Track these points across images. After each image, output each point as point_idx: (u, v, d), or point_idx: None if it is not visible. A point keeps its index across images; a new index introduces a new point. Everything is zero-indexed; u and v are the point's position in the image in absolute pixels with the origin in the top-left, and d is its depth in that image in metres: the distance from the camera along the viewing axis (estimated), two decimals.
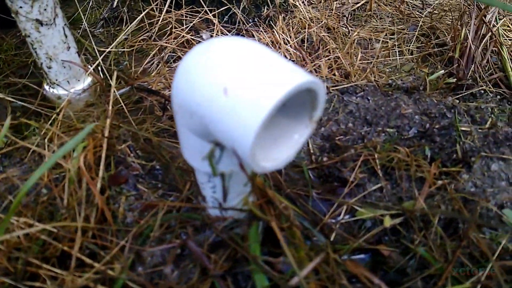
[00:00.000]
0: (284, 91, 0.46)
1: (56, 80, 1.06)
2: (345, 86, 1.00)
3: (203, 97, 0.51)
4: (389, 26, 1.30)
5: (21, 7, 0.92)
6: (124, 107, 1.00)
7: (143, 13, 1.13)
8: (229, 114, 0.48)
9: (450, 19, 1.26)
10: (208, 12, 1.16)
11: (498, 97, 1.03)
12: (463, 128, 0.87)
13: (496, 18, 1.15)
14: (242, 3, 1.23)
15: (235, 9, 1.22)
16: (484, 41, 1.10)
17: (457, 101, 0.98)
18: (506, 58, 1.09)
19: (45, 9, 0.94)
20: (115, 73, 0.98)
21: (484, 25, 1.12)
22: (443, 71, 1.06)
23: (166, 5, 1.19)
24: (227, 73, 0.49)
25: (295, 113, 0.57)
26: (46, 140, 0.83)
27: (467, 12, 1.15)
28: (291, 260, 0.56)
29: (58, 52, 1.01)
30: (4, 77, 1.19)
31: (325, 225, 0.79)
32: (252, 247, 0.69)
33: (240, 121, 0.47)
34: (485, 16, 1.13)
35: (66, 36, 1.01)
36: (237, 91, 0.48)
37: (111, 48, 1.12)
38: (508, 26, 1.26)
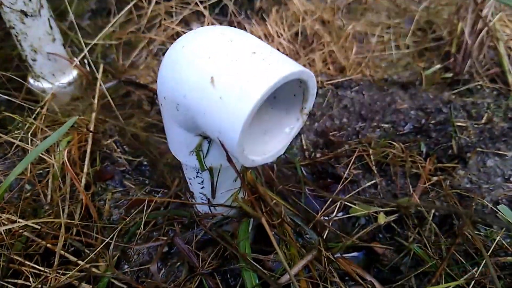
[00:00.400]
0: (273, 80, 0.43)
1: (41, 73, 1.02)
2: (340, 80, 0.98)
3: (189, 87, 0.48)
4: (385, 20, 1.28)
5: None
6: (111, 101, 0.97)
7: (131, 4, 1.10)
8: (216, 104, 0.45)
9: (446, 13, 1.24)
10: (199, 4, 1.13)
11: (495, 92, 1.01)
12: (459, 124, 0.85)
13: (492, 13, 1.13)
14: None
15: (226, 0, 1.19)
16: (480, 36, 1.08)
17: (453, 96, 0.96)
18: (503, 54, 1.07)
19: (30, 0, 0.91)
20: (102, 66, 0.95)
21: (480, 20, 1.10)
22: (439, 65, 1.04)
23: None
24: (214, 62, 0.47)
25: (285, 105, 0.55)
26: (29, 134, 0.80)
27: (464, 7, 1.13)
28: (281, 258, 0.54)
29: (43, 44, 0.98)
30: None
31: (318, 223, 0.76)
32: (242, 244, 0.67)
33: (228, 111, 0.45)
34: (481, 11, 1.11)
35: (51, 28, 0.98)
36: (225, 81, 0.45)
37: (98, 41, 1.08)
38: (504, 22, 1.25)
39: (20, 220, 0.69)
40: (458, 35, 1.10)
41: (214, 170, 0.62)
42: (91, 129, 0.83)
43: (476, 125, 0.84)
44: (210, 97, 0.46)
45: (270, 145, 0.53)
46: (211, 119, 0.47)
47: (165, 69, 0.52)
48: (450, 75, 1.02)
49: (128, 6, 1.09)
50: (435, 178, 0.78)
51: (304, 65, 1.09)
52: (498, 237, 0.71)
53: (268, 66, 0.45)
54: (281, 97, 0.54)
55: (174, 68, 0.50)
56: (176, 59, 0.51)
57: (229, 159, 0.51)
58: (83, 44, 1.00)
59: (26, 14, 0.93)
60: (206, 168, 0.61)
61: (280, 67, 0.45)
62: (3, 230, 0.63)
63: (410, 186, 0.78)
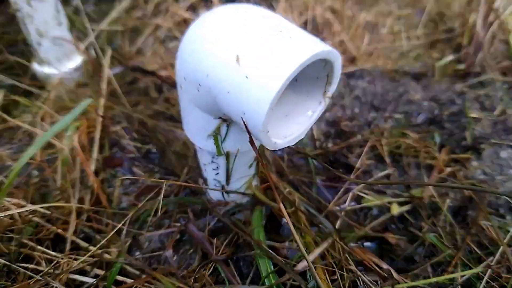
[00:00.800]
0: (302, 59, 0.42)
1: (46, 58, 1.00)
2: (351, 70, 0.97)
3: (212, 66, 0.46)
4: (395, 10, 1.27)
5: None
6: (117, 88, 0.95)
7: None
8: (241, 84, 0.44)
9: (457, 5, 1.23)
10: None
11: (505, 86, 1.01)
12: (473, 115, 0.84)
13: (504, 6, 1.12)
14: None
15: None
16: (492, 29, 1.07)
17: (466, 88, 0.96)
18: None
19: None
20: (109, 51, 0.93)
21: (492, 12, 1.09)
22: (452, 57, 1.03)
23: None
24: (239, 40, 0.45)
25: (307, 88, 0.53)
26: (38, 118, 0.78)
27: None
28: (300, 244, 0.53)
29: (49, 28, 0.96)
30: None
31: (330, 213, 0.75)
32: (256, 232, 0.66)
33: (253, 91, 0.43)
34: (493, 3, 1.10)
35: (58, 11, 0.96)
36: (251, 59, 0.44)
37: (104, 26, 1.06)
38: None
39: (29, 204, 0.67)
40: (469, 27, 1.09)
41: (230, 155, 0.61)
42: (101, 114, 0.82)
43: (489, 117, 0.84)
44: (235, 75, 0.44)
45: (292, 128, 0.52)
46: (235, 99, 0.46)
47: (184, 49, 0.50)
48: (462, 67, 1.01)
49: None
50: (449, 169, 0.77)
51: None
52: None
53: (296, 44, 0.44)
54: (303, 80, 0.53)
55: (195, 48, 0.49)
56: (198, 38, 0.49)
57: (252, 142, 0.50)
58: (90, 29, 0.98)
59: None
60: (223, 153, 0.59)
61: (308, 45, 0.44)
62: (13, 214, 0.61)
63: (424, 177, 0.77)
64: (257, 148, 0.52)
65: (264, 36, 0.45)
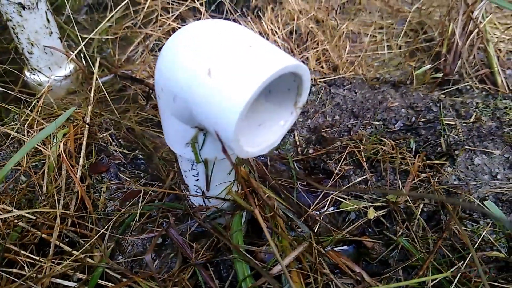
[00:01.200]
0: (269, 73, 0.45)
1: (37, 66, 1.03)
2: (333, 78, 1.00)
3: (186, 79, 0.49)
4: (378, 20, 1.30)
5: None
6: (107, 95, 0.98)
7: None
8: (212, 95, 0.47)
9: (438, 14, 1.26)
10: (195, 0, 1.14)
11: (484, 93, 1.04)
12: (448, 122, 0.87)
13: (483, 15, 1.16)
14: None
15: None
16: (471, 37, 1.10)
17: (443, 95, 0.99)
18: (492, 55, 1.10)
19: None
20: (98, 60, 0.96)
21: (471, 21, 1.12)
22: (430, 65, 1.06)
23: None
24: (211, 54, 0.48)
25: (280, 99, 0.56)
26: (26, 126, 0.80)
27: (455, 8, 1.15)
28: (274, 248, 0.55)
29: (40, 38, 0.98)
30: None
31: (310, 217, 0.78)
32: (235, 236, 0.68)
33: (224, 103, 0.46)
34: (472, 13, 1.14)
35: (48, 21, 0.98)
36: (221, 72, 0.46)
37: (94, 35, 1.09)
38: (495, 24, 1.28)
39: (15, 210, 0.69)
40: (449, 36, 1.12)
41: (209, 162, 0.63)
42: (87, 121, 0.84)
43: (464, 124, 0.87)
44: (207, 88, 0.47)
45: (265, 137, 0.55)
46: (207, 110, 0.48)
47: (163, 61, 0.53)
48: (440, 75, 1.04)
49: (126, 1, 1.09)
50: (423, 175, 0.80)
51: None
52: (484, 232, 0.73)
53: (264, 59, 0.47)
54: (275, 90, 0.56)
55: (172, 60, 0.51)
56: (174, 51, 0.52)
57: (224, 150, 0.53)
58: (80, 38, 1.01)
59: (23, 7, 0.93)
60: (201, 160, 0.62)
61: (276, 60, 0.46)
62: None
63: (400, 182, 0.80)
64: (231, 156, 0.55)
65: (235, 50, 0.47)
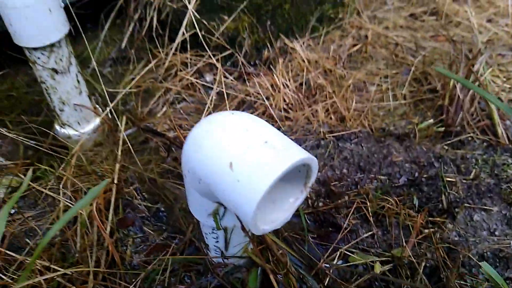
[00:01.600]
0: (282, 168, 0.52)
1: (67, 121, 1.12)
2: (341, 133, 1.07)
3: (211, 169, 0.57)
4: (383, 69, 1.38)
5: (38, 57, 0.99)
6: (131, 148, 1.06)
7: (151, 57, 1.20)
8: (234, 185, 0.54)
9: (441, 65, 1.33)
10: (212, 57, 1.23)
11: (485, 144, 1.10)
12: (448, 179, 0.93)
13: (483, 67, 1.22)
14: (244, 48, 1.31)
15: (237, 53, 1.29)
16: (472, 90, 1.17)
17: (445, 148, 1.05)
18: (493, 107, 1.16)
19: (60, 59, 1.01)
20: (124, 117, 1.04)
21: (472, 75, 1.19)
22: (432, 120, 1.13)
23: (173, 48, 1.26)
24: (232, 150, 0.55)
25: (291, 179, 0.63)
26: (61, 186, 0.89)
27: (456, 62, 1.22)
28: None
29: (71, 97, 1.08)
30: (16, 115, 1.25)
31: (320, 270, 0.84)
32: None
33: (244, 192, 0.53)
34: (473, 66, 1.21)
35: (78, 82, 1.08)
36: (241, 166, 0.54)
37: (121, 90, 1.18)
38: (495, 72, 1.34)
39: (55, 267, 0.77)
40: (450, 88, 1.19)
41: (228, 229, 0.71)
42: (115, 180, 0.92)
43: (464, 181, 0.93)
44: (228, 179, 0.55)
45: (278, 214, 0.62)
46: (229, 197, 0.56)
47: (189, 149, 0.61)
48: (442, 129, 1.11)
49: (150, 60, 1.19)
50: (426, 231, 0.86)
51: (307, 116, 1.18)
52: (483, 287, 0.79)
53: (278, 154, 0.54)
54: (288, 172, 0.63)
55: (198, 151, 0.59)
56: (199, 143, 0.59)
57: (243, 228, 0.60)
58: (107, 96, 1.10)
59: (56, 71, 1.03)
60: (221, 228, 0.69)
61: (290, 154, 0.54)
62: (42, 279, 0.71)
63: (403, 238, 0.86)
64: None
65: (252, 146, 0.55)
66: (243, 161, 0.54)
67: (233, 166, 0.54)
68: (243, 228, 0.60)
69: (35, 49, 0.97)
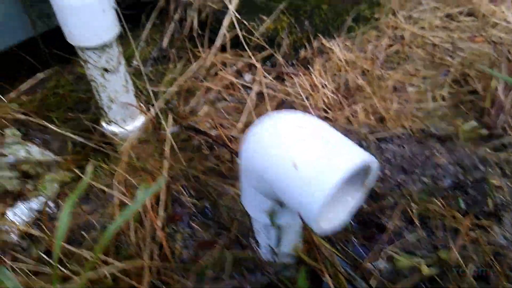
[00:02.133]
0: (350, 168, 0.53)
1: (114, 118, 1.16)
2: (383, 135, 1.07)
3: (273, 168, 0.59)
4: (421, 70, 1.37)
5: (90, 57, 1.02)
6: (175, 145, 1.09)
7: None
8: (298, 185, 0.56)
9: (481, 67, 1.32)
10: (252, 57, 1.25)
11: None
12: (494, 182, 0.93)
13: None
14: (282, 48, 1.32)
15: (276, 53, 1.31)
16: None
17: (489, 151, 1.04)
18: None
19: (111, 59, 1.05)
20: (170, 116, 1.07)
21: None
22: (475, 122, 1.12)
23: (215, 48, 1.29)
24: (296, 148, 0.57)
25: (350, 179, 0.64)
26: (115, 181, 0.92)
27: (496, 63, 1.21)
28: None
29: (119, 95, 1.12)
30: (63, 112, 1.30)
31: (365, 270, 0.85)
32: None
33: (309, 192, 0.55)
34: None
35: (126, 81, 1.12)
36: (307, 167, 0.55)
37: (165, 89, 1.22)
38: None
39: (114, 261, 0.80)
40: (492, 90, 1.18)
41: (282, 227, 0.73)
42: (166, 177, 0.96)
43: (509, 184, 0.92)
44: (293, 179, 0.56)
45: (338, 214, 0.63)
46: (292, 195, 0.58)
47: (249, 147, 0.63)
48: (485, 131, 1.10)
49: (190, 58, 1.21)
50: (473, 234, 0.86)
51: (347, 117, 1.19)
52: None
53: (344, 155, 0.55)
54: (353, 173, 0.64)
55: (257, 149, 0.61)
56: (260, 142, 0.61)
57: (305, 227, 0.62)
58: (152, 95, 1.14)
59: (107, 70, 1.07)
60: (276, 226, 0.71)
61: (354, 156, 0.55)
62: (107, 272, 0.74)
63: (450, 240, 0.86)
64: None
65: (318, 146, 0.56)
66: (308, 160, 0.56)
67: (298, 166, 0.56)
68: (304, 228, 0.62)
69: (88, 48, 1.01)
